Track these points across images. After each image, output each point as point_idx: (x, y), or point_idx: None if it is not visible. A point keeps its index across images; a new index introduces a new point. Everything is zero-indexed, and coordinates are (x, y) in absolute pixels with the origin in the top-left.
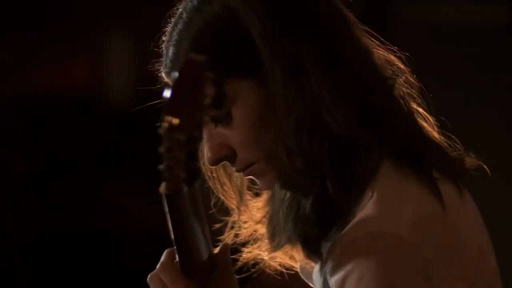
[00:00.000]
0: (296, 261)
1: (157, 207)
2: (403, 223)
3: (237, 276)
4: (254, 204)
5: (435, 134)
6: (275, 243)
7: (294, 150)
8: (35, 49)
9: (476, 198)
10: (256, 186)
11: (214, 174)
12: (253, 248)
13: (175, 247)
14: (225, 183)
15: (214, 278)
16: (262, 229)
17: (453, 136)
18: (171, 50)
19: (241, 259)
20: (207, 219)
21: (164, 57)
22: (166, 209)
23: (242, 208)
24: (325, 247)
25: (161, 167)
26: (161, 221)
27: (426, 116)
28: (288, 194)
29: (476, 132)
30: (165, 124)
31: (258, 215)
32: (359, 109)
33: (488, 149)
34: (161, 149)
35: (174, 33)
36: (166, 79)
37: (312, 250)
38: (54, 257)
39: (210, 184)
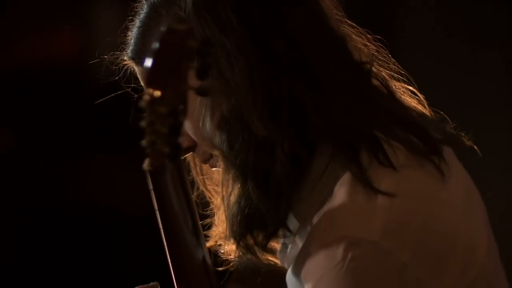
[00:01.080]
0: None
1: (142, 184)
2: (374, 225)
3: (219, 269)
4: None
5: (425, 112)
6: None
7: (223, 147)
8: (20, 19)
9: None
10: None
11: (197, 165)
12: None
13: (160, 226)
14: (209, 176)
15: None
16: None
17: (444, 115)
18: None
19: (222, 253)
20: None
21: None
22: (150, 186)
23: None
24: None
25: (143, 142)
26: (146, 199)
27: (416, 93)
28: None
29: (469, 111)
30: (146, 97)
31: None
32: (292, 108)
33: (481, 129)
34: (143, 123)
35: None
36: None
37: (261, 248)
38: (37, 234)
39: (193, 174)
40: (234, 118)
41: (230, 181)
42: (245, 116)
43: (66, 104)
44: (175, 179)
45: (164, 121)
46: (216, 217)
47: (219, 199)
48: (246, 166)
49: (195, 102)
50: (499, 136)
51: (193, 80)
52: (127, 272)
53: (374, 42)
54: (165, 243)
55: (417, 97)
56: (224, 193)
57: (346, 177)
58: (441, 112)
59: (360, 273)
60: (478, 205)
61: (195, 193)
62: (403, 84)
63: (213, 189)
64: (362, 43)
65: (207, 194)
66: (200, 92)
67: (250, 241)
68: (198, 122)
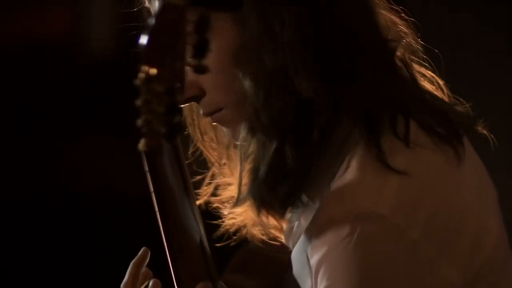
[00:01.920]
0: (281, 231)
1: (137, 165)
2: (385, 200)
3: (217, 245)
4: (238, 168)
5: (444, 98)
6: (237, 200)
7: (259, 103)
8: None
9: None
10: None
11: (195, 121)
12: (237, 215)
13: (157, 210)
14: (207, 133)
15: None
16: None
17: (463, 101)
18: None
19: (222, 226)
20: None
21: None
22: (146, 168)
23: (222, 163)
24: (301, 213)
25: (139, 122)
26: (141, 181)
27: (435, 78)
28: (252, 151)
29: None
30: (141, 75)
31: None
32: (338, 72)
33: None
34: (139, 102)
35: None
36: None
37: (278, 216)
38: (26, 217)
39: (190, 130)
40: (278, 75)
41: (252, 142)
42: (291, 75)
43: (56, 82)
44: (172, 160)
45: (160, 100)
46: (219, 179)
47: (226, 162)
48: (282, 126)
49: (228, 54)
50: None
51: (191, 57)
52: (121, 258)
53: (405, 22)
54: (161, 226)
55: (436, 83)
56: (242, 154)
57: (360, 153)
58: (461, 99)
59: (368, 249)
60: (491, 194)
61: (190, 150)
62: (423, 69)
63: (213, 150)
64: (391, 20)
65: (209, 155)
66: (198, 69)
67: (269, 206)
68: (229, 76)
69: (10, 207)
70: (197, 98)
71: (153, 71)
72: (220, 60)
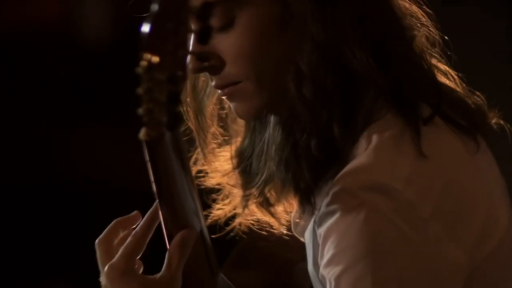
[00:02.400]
0: (274, 217)
1: (136, 155)
2: (399, 174)
3: (213, 236)
4: (221, 154)
5: (457, 89)
6: (252, 189)
7: (307, 76)
8: None
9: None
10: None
11: (191, 99)
12: (225, 204)
13: (157, 200)
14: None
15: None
16: (230, 182)
17: (477, 93)
18: None
19: (211, 216)
20: None
21: None
22: (147, 157)
23: (208, 151)
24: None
25: (140, 110)
26: (142, 170)
27: (448, 71)
28: (281, 130)
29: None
30: (143, 63)
31: (226, 166)
32: (378, 53)
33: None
34: (140, 91)
35: None
36: None
37: (305, 197)
38: (19, 206)
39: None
40: (330, 50)
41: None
42: (345, 50)
43: (53, 67)
44: (173, 150)
45: (162, 89)
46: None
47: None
48: (330, 102)
49: (262, 24)
50: None
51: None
52: None
53: (424, 14)
54: (161, 217)
55: (451, 75)
56: (266, 135)
57: (381, 131)
58: (477, 93)
59: (379, 221)
60: (501, 188)
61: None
62: (437, 61)
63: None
64: (411, 9)
65: (196, 132)
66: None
67: (301, 183)
68: (259, 47)
69: (4, 198)
70: (214, 68)
71: (155, 59)
72: (254, 27)
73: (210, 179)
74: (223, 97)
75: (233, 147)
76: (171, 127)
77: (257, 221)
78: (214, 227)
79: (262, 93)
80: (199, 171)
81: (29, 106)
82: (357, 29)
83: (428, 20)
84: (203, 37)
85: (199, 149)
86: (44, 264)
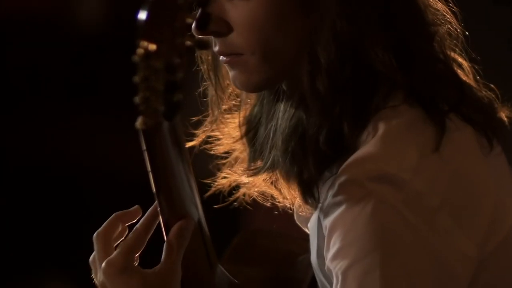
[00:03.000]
0: (278, 191)
1: (133, 144)
2: (407, 164)
3: (215, 206)
4: (230, 121)
5: (470, 81)
6: (257, 166)
7: (323, 68)
8: None
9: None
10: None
11: (209, 57)
12: (229, 173)
13: (154, 191)
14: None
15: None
16: (238, 150)
17: (495, 88)
18: None
19: (215, 185)
20: None
21: None
22: (144, 147)
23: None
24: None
25: (136, 99)
26: (138, 160)
27: (467, 68)
28: (290, 120)
29: None
30: (140, 50)
31: (235, 133)
32: (400, 51)
33: None
34: (137, 79)
35: None
36: None
37: (308, 189)
38: (16, 198)
39: (202, 68)
40: (352, 42)
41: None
42: (367, 44)
43: (48, 57)
44: (171, 139)
45: (159, 77)
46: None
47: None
48: (344, 95)
49: (282, 4)
50: None
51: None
52: None
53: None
54: (158, 207)
55: (467, 71)
56: (274, 120)
57: (388, 120)
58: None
59: (386, 213)
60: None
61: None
62: (457, 56)
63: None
64: (435, 5)
65: (214, 93)
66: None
67: (305, 173)
68: (274, 22)
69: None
70: (220, 34)
71: (152, 46)
72: (273, 6)
73: (218, 147)
74: (224, 64)
75: (242, 114)
76: (169, 116)
77: (262, 194)
78: (218, 196)
79: (265, 71)
80: (209, 137)
81: (25, 98)
82: (381, 26)
83: (452, 16)
84: (202, 24)
85: (210, 115)
86: (41, 259)
